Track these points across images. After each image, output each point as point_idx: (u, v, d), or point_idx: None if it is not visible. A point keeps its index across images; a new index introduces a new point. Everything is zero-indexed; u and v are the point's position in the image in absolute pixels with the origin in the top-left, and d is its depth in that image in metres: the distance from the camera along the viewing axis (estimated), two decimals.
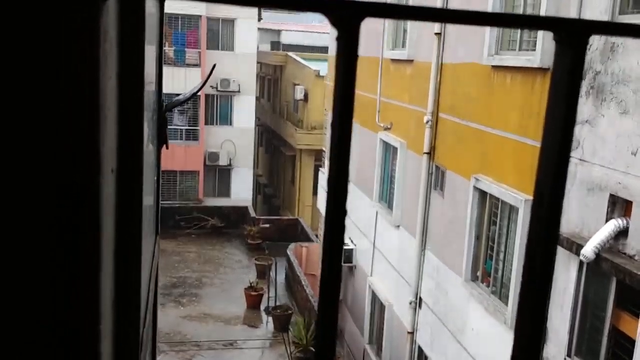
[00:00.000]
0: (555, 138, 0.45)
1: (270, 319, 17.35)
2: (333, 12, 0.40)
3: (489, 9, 8.63)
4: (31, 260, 0.54)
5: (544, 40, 7.38)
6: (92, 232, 0.56)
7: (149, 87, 1.57)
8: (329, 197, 0.43)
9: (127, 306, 0.97)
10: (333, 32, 0.40)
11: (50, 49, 0.49)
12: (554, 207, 0.47)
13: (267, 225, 23.93)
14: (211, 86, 26.21)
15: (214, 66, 3.83)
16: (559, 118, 0.46)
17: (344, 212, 0.43)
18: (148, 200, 1.64)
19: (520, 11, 8.25)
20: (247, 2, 0.41)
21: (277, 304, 17.80)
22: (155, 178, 1.90)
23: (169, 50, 25.46)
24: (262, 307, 18.26)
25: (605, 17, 6.41)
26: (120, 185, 0.84)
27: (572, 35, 0.46)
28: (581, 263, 6.60)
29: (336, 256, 0.44)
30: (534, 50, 7.69)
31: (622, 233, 6.11)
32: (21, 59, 0.49)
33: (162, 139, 1.88)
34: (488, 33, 8.66)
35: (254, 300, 18.28)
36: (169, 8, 23.88)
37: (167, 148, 1.96)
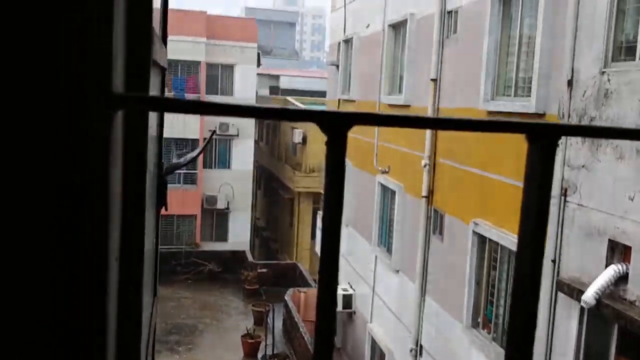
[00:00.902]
0: (529, 233, 0.48)
1: None
2: (325, 121, 0.41)
3: (484, 61, 8.78)
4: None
5: (539, 86, 7.49)
6: (97, 320, 0.58)
7: (151, 152, 1.59)
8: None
9: None
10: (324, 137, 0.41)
11: (67, 161, 0.53)
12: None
13: (265, 270, 23.75)
14: (210, 130, 26.40)
15: (213, 132, 3.89)
16: (533, 212, 0.48)
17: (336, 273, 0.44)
18: (148, 262, 1.63)
19: (514, 62, 8.39)
20: (248, 114, 0.43)
21: (275, 352, 17.51)
22: (155, 241, 1.90)
23: (169, 95, 25.76)
24: (260, 355, 17.95)
25: (597, 65, 6.51)
26: (122, 272, 0.86)
27: (543, 137, 0.49)
28: (582, 309, 6.53)
29: (331, 297, 0.45)
30: (529, 96, 7.80)
31: (622, 278, 6.07)
32: (44, 167, 0.53)
33: (161, 201, 1.88)
34: (484, 79, 8.79)
35: (251, 348, 17.98)
36: (169, 54, 24.27)
37: (166, 210, 1.97)
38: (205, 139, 26.40)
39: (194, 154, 3.09)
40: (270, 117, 0.44)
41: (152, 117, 1.57)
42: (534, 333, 0.51)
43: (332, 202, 0.42)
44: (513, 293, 0.52)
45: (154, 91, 1.59)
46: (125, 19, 0.81)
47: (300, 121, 0.43)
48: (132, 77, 0.88)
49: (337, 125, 0.42)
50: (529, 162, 0.50)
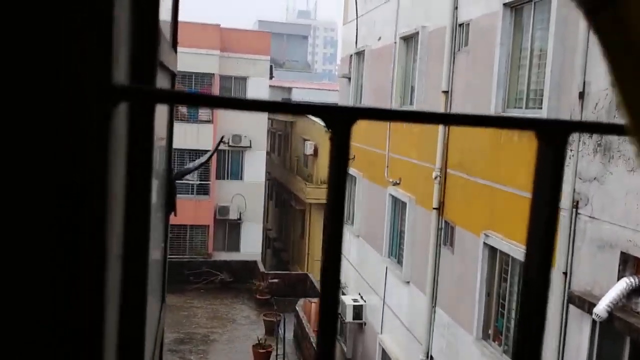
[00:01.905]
0: (539, 233, 0.49)
1: None
2: (328, 115, 0.44)
3: (495, 73, 8.81)
4: None
5: (550, 98, 7.50)
6: (96, 320, 0.57)
7: (160, 155, 1.61)
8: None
9: None
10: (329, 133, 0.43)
11: (62, 155, 0.53)
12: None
13: (276, 280, 23.74)
14: (223, 142, 26.56)
15: (221, 138, 3.94)
16: (542, 213, 0.49)
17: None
18: (156, 268, 1.66)
19: (525, 74, 8.41)
20: (254, 107, 0.45)
21: None
22: (163, 245, 1.93)
23: (182, 106, 25.93)
24: None
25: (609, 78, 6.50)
26: (126, 269, 0.87)
27: (553, 134, 0.49)
28: (594, 322, 6.49)
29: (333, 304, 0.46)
30: (541, 108, 7.81)
31: (634, 291, 6.03)
32: (36, 165, 0.52)
33: (170, 207, 1.91)
34: (495, 91, 8.81)
35: (262, 358, 17.94)
36: (182, 66, 24.49)
37: (175, 215, 1.99)
38: (218, 150, 26.54)
39: (204, 159, 3.14)
40: (272, 110, 0.45)
41: (161, 119, 1.58)
42: (542, 340, 0.49)
43: (335, 198, 0.44)
44: (521, 301, 0.50)
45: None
46: (131, 17, 0.81)
47: (304, 115, 0.46)
48: (136, 75, 0.87)
49: (341, 120, 0.43)
50: (538, 162, 0.48)
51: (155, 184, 1.48)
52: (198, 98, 0.50)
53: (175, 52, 1.99)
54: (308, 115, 0.50)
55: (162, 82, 1.44)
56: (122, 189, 0.80)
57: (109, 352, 0.74)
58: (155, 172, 1.45)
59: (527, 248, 0.51)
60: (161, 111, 1.62)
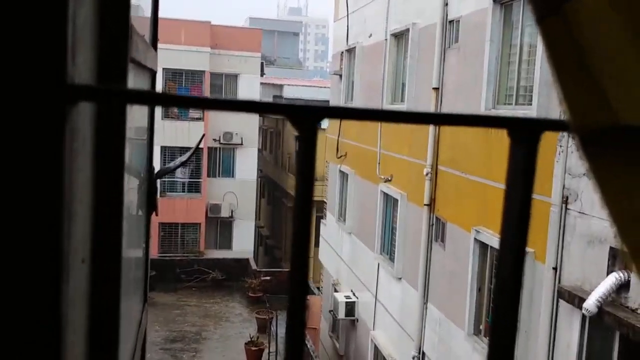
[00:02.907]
0: (512, 232, 0.49)
1: None
2: (295, 115, 0.44)
3: (485, 69, 8.83)
4: None
5: (540, 95, 7.53)
6: (53, 330, 0.55)
7: (139, 153, 1.60)
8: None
9: None
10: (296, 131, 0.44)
11: (13, 149, 0.51)
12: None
13: (269, 278, 23.73)
14: (214, 139, 26.50)
15: (202, 135, 3.92)
16: (515, 209, 0.49)
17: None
18: (136, 267, 1.64)
19: (515, 70, 8.44)
20: (218, 107, 0.45)
21: (278, 359, 17.47)
22: (144, 245, 1.91)
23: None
24: None
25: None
26: (95, 273, 0.85)
27: (525, 133, 0.49)
28: (584, 317, 6.53)
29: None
30: (530, 104, 7.84)
31: (623, 286, 6.07)
32: None
33: (152, 206, 1.90)
34: (485, 87, 8.83)
35: (254, 356, 17.94)
36: (173, 63, 24.41)
37: (156, 215, 1.98)
38: (209, 147, 26.49)
39: (184, 157, 3.12)
40: (238, 109, 0.45)
41: (140, 120, 1.56)
42: (515, 331, 0.50)
43: (302, 196, 0.44)
44: (494, 295, 0.51)
45: (142, 88, 1.59)
46: (96, 15, 0.79)
47: (270, 114, 0.46)
48: (105, 74, 0.85)
49: (306, 119, 0.43)
50: (511, 159, 0.48)
51: (134, 184, 1.46)
52: (159, 97, 0.49)
53: (156, 49, 1.97)
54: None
55: (138, 80, 1.42)
56: (89, 190, 0.78)
57: (76, 353, 0.73)
58: (134, 171, 1.43)
59: (501, 246, 0.51)
60: (141, 111, 1.60)
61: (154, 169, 1.97)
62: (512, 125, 0.50)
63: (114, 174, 0.93)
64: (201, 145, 25.59)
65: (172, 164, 3.42)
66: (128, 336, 1.37)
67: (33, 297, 0.54)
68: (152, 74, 1.72)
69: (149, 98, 0.48)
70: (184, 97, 0.47)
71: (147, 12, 1.88)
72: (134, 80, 1.22)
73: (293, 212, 0.44)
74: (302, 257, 0.45)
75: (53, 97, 0.52)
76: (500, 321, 0.49)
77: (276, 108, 0.45)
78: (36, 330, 0.54)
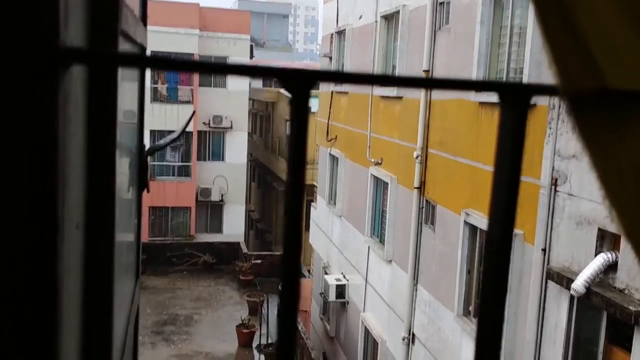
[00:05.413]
0: (501, 197, 0.48)
1: (263, 357, 17.10)
2: (287, 79, 0.43)
3: (475, 51, 8.81)
4: None
5: (530, 77, 7.53)
6: (50, 292, 0.56)
7: (130, 132, 1.58)
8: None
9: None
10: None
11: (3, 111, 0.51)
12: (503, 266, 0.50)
13: (259, 261, 23.80)
14: (204, 122, 26.38)
15: (193, 112, 3.92)
16: (505, 174, 0.49)
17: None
18: (128, 243, 1.64)
19: (506, 52, 8.42)
20: (208, 70, 0.44)
21: (270, 341, 17.58)
22: (136, 221, 1.91)
23: (161, 87, 25.68)
24: (254, 345, 18.02)
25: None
26: (89, 240, 0.85)
27: (515, 97, 0.49)
28: (572, 297, 6.60)
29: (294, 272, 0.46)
30: None
31: (611, 267, 6.13)
32: None
33: (142, 183, 1.90)
34: (475, 70, 8.82)
35: (246, 338, 18.05)
36: (162, 46, 24.19)
37: (147, 192, 1.98)
38: (199, 131, 26.37)
39: (175, 135, 3.10)
40: (229, 73, 0.44)
41: (130, 96, 1.55)
42: (504, 304, 0.50)
43: (295, 163, 0.44)
44: (484, 271, 0.51)
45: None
46: None
47: (262, 78, 0.45)
48: (95, 42, 0.85)
49: (299, 83, 0.43)
50: (502, 124, 0.49)
51: (126, 160, 1.45)
52: (150, 60, 0.48)
53: (145, 26, 1.95)
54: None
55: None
56: (82, 156, 0.78)
57: (70, 325, 0.73)
58: (125, 148, 1.42)
59: (490, 214, 0.50)
60: (131, 88, 1.59)
61: (144, 146, 1.97)
62: (503, 89, 0.50)
63: (106, 140, 0.93)
64: (191, 128, 25.46)
65: (162, 141, 3.40)
66: (122, 309, 1.37)
67: (29, 262, 0.54)
68: (142, 50, 1.71)
69: (139, 60, 0.47)
70: (175, 60, 0.46)
71: None
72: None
73: (287, 174, 0.44)
74: (295, 223, 0.44)
75: (47, 60, 0.52)
76: (488, 295, 0.48)
77: (268, 72, 0.44)
78: (33, 294, 0.55)
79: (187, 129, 25.28)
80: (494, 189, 0.49)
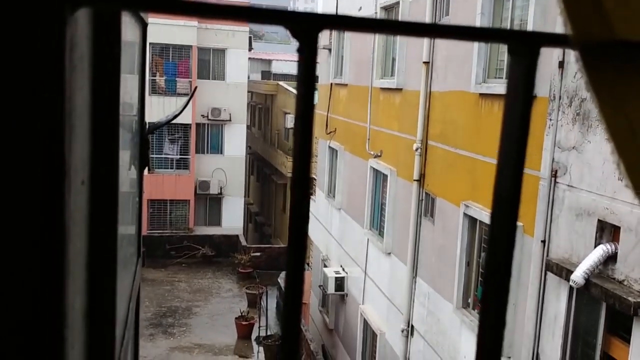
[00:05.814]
0: (511, 149, 0.47)
1: (262, 349, 17.13)
2: (293, 24, 0.42)
3: (476, 44, 8.77)
4: None
5: None
6: (58, 247, 0.55)
7: (131, 110, 1.57)
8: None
9: (100, 336, 0.95)
10: (296, 44, 0.42)
11: (11, 57, 0.50)
12: (511, 215, 0.48)
13: (258, 254, 23.82)
14: (202, 115, 26.33)
15: (195, 88, 3.89)
16: (514, 127, 0.47)
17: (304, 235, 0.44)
18: (128, 221, 1.63)
19: (505, 47, 8.38)
20: (216, 15, 0.42)
21: (269, 333, 17.61)
22: (138, 200, 1.90)
23: (160, 80, 25.61)
24: (253, 337, 18.06)
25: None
26: (93, 197, 0.84)
27: (525, 46, 0.48)
28: (571, 289, 6.60)
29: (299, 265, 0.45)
30: None
31: (611, 258, 6.13)
32: None
33: (144, 161, 1.89)
34: (475, 62, 8.79)
35: (245, 330, 18.08)
36: (160, 38, 24.11)
37: (149, 171, 1.97)
38: (198, 124, 26.31)
39: (176, 112, 3.10)
40: (233, 17, 0.42)
41: (132, 81, 1.54)
42: (508, 287, 0.48)
43: (304, 113, 0.43)
44: (489, 242, 0.49)
45: (134, 41, 1.57)
46: None
47: (268, 24, 0.43)
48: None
49: (308, 28, 0.42)
50: (511, 74, 0.48)
51: (127, 137, 1.44)
52: (153, 1, 0.46)
53: None
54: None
55: (132, 29, 1.39)
56: (87, 109, 0.78)
57: (75, 293, 0.73)
58: (127, 125, 1.41)
59: (498, 167, 0.49)
60: (132, 79, 1.57)
61: (146, 123, 1.96)
62: (512, 38, 0.49)
63: (111, 91, 0.91)
64: (190, 121, 25.42)
65: (163, 118, 3.39)
66: (125, 282, 1.37)
67: (36, 214, 0.54)
68: (144, 26, 1.69)
69: (143, 3, 0.46)
70: (177, 1, 0.44)
71: None
72: (128, 28, 1.19)
73: (294, 129, 0.43)
74: (304, 178, 0.43)
75: (53, 2, 0.51)
76: (492, 266, 0.47)
77: (275, 16, 0.42)
78: (40, 247, 0.55)
79: (185, 122, 25.24)
80: (502, 141, 0.48)
